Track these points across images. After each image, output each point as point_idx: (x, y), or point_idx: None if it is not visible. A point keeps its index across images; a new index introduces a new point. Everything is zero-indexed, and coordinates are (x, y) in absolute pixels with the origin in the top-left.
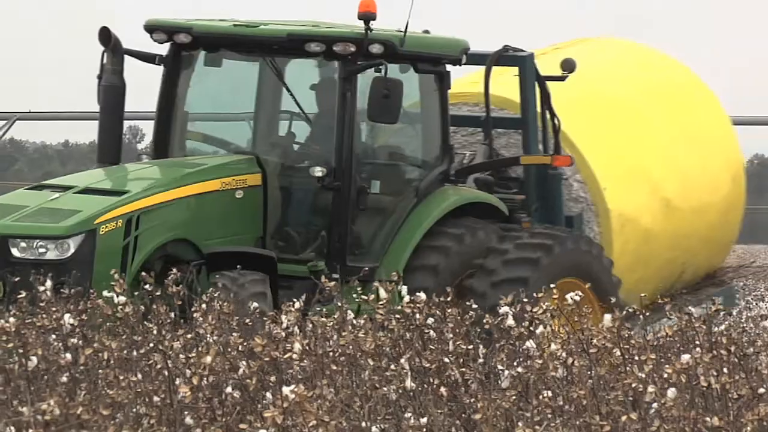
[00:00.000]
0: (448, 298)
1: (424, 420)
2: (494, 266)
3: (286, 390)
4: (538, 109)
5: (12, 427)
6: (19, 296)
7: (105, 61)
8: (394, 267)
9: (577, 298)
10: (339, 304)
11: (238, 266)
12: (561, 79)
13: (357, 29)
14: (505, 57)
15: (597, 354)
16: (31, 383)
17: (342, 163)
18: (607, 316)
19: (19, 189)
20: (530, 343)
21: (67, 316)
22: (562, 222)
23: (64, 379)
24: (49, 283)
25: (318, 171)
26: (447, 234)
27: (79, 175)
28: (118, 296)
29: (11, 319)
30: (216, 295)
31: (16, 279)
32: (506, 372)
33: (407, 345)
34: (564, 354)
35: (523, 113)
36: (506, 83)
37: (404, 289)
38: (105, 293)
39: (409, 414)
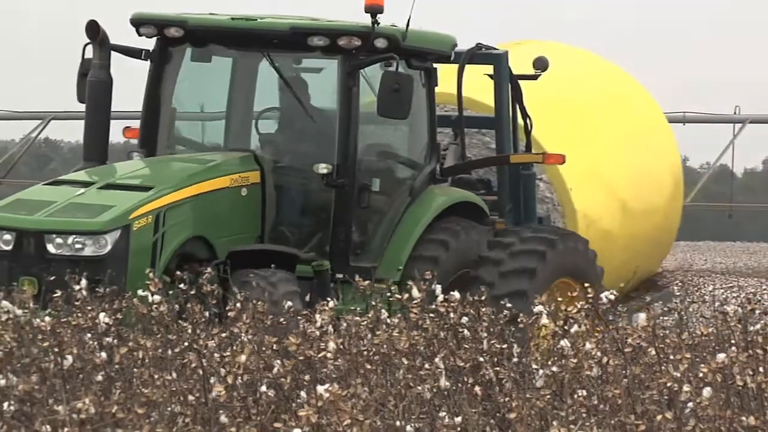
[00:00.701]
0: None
1: (458, 419)
2: (501, 257)
3: (320, 389)
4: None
5: (48, 426)
6: (54, 295)
7: (92, 55)
8: (393, 267)
9: (612, 297)
10: (373, 303)
11: (272, 265)
12: (534, 77)
13: (361, 23)
14: (479, 55)
15: (632, 353)
16: (66, 382)
17: (346, 160)
18: (642, 315)
19: (36, 185)
20: (565, 342)
21: (102, 315)
22: (535, 222)
23: (100, 377)
24: (84, 282)
25: (323, 168)
26: (444, 229)
27: (95, 171)
28: (152, 295)
29: (47, 318)
30: (248, 294)
31: (52, 277)
32: (541, 371)
33: (441, 344)
34: (599, 353)
35: (497, 112)
36: (468, 83)
37: (438, 288)
38: (140, 292)
39: (444, 413)
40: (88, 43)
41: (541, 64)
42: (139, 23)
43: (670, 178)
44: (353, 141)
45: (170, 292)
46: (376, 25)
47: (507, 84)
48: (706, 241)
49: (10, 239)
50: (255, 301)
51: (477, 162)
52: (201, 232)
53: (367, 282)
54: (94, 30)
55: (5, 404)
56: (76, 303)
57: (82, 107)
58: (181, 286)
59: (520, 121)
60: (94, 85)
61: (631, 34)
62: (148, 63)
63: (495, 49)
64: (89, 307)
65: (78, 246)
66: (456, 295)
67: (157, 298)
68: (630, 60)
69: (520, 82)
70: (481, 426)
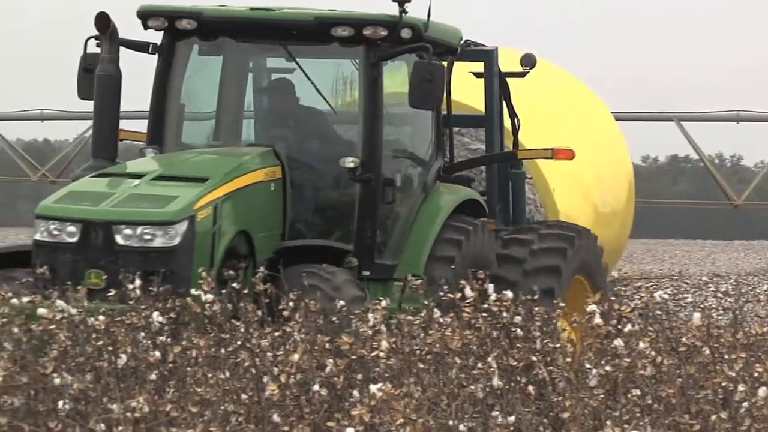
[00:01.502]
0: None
1: (511, 418)
2: (522, 255)
3: (373, 388)
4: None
5: (102, 425)
6: (111, 292)
7: (101, 49)
8: (413, 267)
9: (666, 296)
10: (426, 302)
11: (324, 264)
12: (521, 75)
13: (386, 13)
14: (468, 52)
15: (686, 353)
16: (120, 381)
17: (372, 154)
18: (696, 315)
19: (82, 179)
20: (618, 342)
21: (155, 314)
22: (525, 223)
23: (153, 376)
24: (138, 282)
25: (350, 162)
26: (456, 228)
27: (138, 164)
28: (205, 294)
29: (101, 317)
30: (311, 298)
31: (121, 268)
32: (594, 370)
33: (494, 343)
34: (653, 352)
35: (487, 110)
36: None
37: (491, 287)
38: (193, 291)
39: (497, 412)
40: (90, 37)
41: (528, 61)
42: (147, 15)
43: (626, 184)
44: (379, 135)
45: (222, 291)
46: (404, 14)
47: (497, 81)
48: (760, 240)
49: (75, 231)
50: (312, 303)
51: (482, 159)
52: (244, 227)
53: (420, 281)
54: (104, 23)
55: (60, 403)
56: (131, 301)
57: (132, 107)
58: (234, 284)
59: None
60: (104, 80)
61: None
62: (131, 58)
63: (484, 45)
64: (143, 306)
65: (147, 237)
66: (509, 294)
67: (209, 297)
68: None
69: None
70: (534, 425)
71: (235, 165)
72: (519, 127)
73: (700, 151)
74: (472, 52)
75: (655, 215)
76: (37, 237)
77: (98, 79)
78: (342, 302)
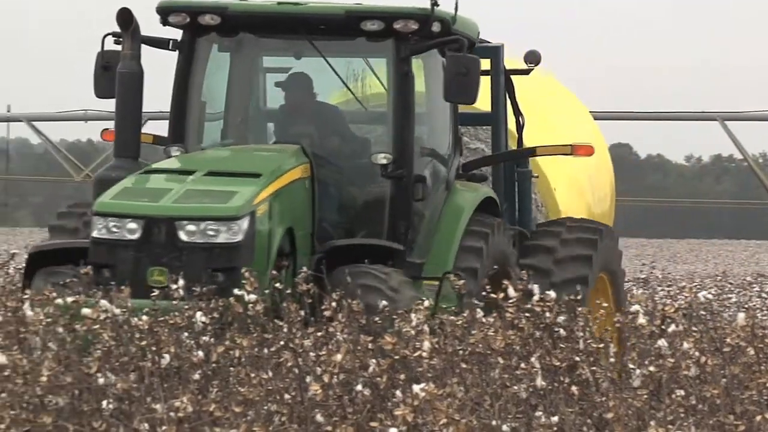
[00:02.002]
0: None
1: (555, 419)
2: (552, 244)
3: (416, 388)
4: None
5: (146, 424)
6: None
7: (122, 46)
8: (442, 265)
9: (710, 296)
10: (474, 302)
11: (366, 261)
12: (526, 72)
13: (416, 7)
14: (474, 48)
15: (730, 353)
16: (164, 381)
17: (405, 150)
18: (741, 315)
19: (131, 176)
20: (662, 342)
21: (198, 314)
22: (531, 222)
23: (197, 376)
24: (181, 282)
25: (382, 158)
26: (480, 223)
27: (181, 160)
28: (248, 294)
29: (144, 317)
30: (369, 300)
31: (185, 265)
32: (638, 371)
33: (537, 343)
34: (697, 353)
35: (493, 108)
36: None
37: (536, 287)
38: (236, 291)
39: (540, 412)
40: (108, 34)
41: (533, 58)
42: (168, 11)
43: (609, 184)
44: (410, 131)
45: (266, 290)
46: (436, 7)
47: (503, 78)
48: None
49: (136, 228)
50: (369, 305)
51: (501, 156)
52: (290, 224)
53: (462, 282)
54: (126, 19)
55: (104, 402)
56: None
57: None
58: (277, 284)
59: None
60: (126, 77)
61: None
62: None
63: (489, 42)
64: (186, 306)
65: (211, 233)
66: (552, 294)
67: (252, 297)
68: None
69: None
70: (577, 426)
71: (280, 161)
72: (524, 125)
73: (743, 151)
74: (478, 49)
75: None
76: (95, 234)
77: (120, 76)
78: (400, 303)
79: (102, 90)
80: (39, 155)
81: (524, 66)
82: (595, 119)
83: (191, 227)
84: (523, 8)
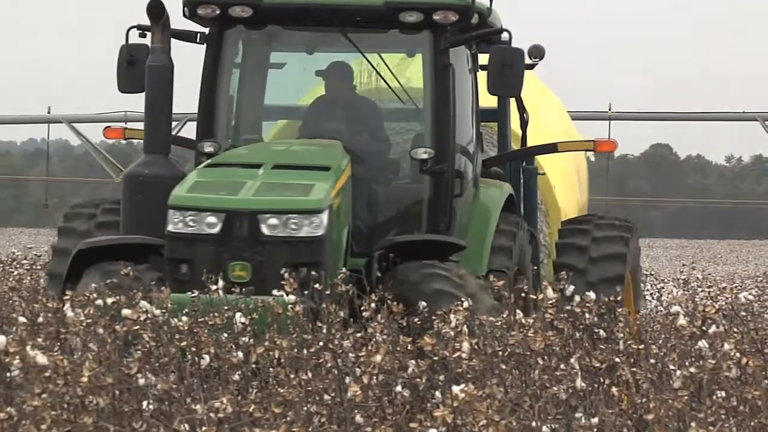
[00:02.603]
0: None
1: (595, 420)
2: (584, 243)
3: (455, 389)
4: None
5: (186, 425)
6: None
7: (151, 38)
8: (477, 263)
9: (751, 297)
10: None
11: (428, 259)
12: (530, 67)
13: None
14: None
15: None
16: (204, 381)
17: (445, 145)
18: None
19: (196, 170)
20: (702, 343)
21: (238, 315)
22: (536, 219)
23: (237, 377)
24: (221, 283)
25: (423, 153)
26: (507, 222)
27: (240, 153)
28: (288, 295)
29: (184, 318)
30: (437, 304)
31: (267, 259)
32: (678, 372)
33: (577, 344)
34: (738, 354)
35: (500, 104)
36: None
37: (570, 289)
38: (275, 292)
39: (580, 414)
40: (132, 27)
41: (537, 52)
42: (197, 2)
43: (585, 178)
44: (450, 125)
45: (305, 291)
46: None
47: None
48: None
49: (216, 222)
50: (444, 310)
51: (519, 152)
52: (350, 220)
53: (502, 282)
54: (157, 11)
55: (145, 403)
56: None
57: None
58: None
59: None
60: (157, 71)
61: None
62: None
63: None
64: (225, 308)
65: (293, 226)
66: (591, 295)
67: (291, 298)
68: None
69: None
70: (618, 427)
71: (341, 156)
72: (528, 121)
73: None
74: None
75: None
76: (171, 229)
77: (150, 70)
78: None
79: (126, 84)
80: (79, 156)
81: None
82: (635, 120)
83: (273, 221)
84: (560, 3)
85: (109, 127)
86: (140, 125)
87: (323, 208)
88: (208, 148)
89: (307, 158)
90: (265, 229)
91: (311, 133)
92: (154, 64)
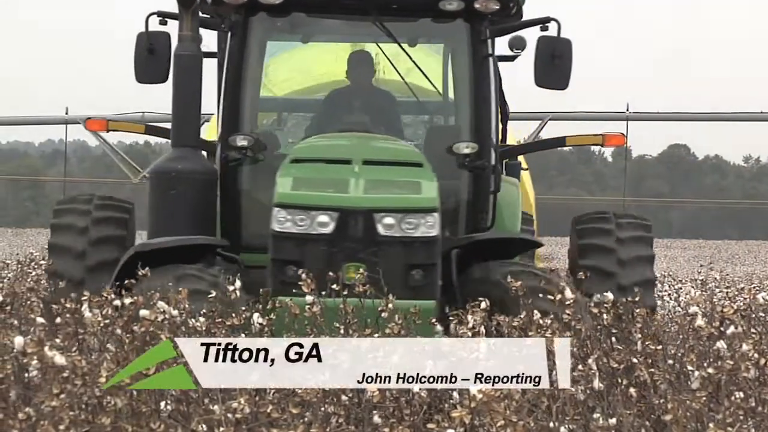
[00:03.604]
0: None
1: (612, 421)
2: (610, 244)
3: (473, 389)
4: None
5: (204, 425)
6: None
7: (180, 26)
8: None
9: None
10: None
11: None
12: (512, 59)
13: None
14: None
15: None
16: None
17: (485, 139)
18: None
19: (284, 166)
20: (721, 344)
21: (255, 315)
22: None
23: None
24: (238, 283)
25: (466, 148)
26: (524, 221)
27: (319, 147)
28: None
29: (201, 319)
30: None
31: (383, 260)
32: (696, 373)
33: (595, 345)
34: (756, 354)
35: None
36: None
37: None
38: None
39: (598, 414)
40: (152, 14)
41: (519, 44)
42: None
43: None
44: (491, 118)
45: (343, 292)
46: None
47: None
48: None
49: (328, 221)
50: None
51: (531, 145)
52: None
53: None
54: None
55: (162, 404)
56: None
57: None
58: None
59: None
60: (186, 60)
61: None
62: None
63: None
64: (243, 308)
65: (409, 226)
66: (609, 296)
67: (309, 299)
68: None
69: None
70: (635, 428)
71: (414, 150)
72: (509, 114)
73: None
74: None
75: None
76: (278, 228)
77: (178, 59)
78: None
79: (146, 74)
80: (96, 157)
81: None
82: (653, 120)
83: (389, 220)
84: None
85: (90, 118)
86: (125, 117)
87: (438, 207)
88: (241, 141)
89: (394, 154)
90: (380, 229)
91: (339, 126)
92: (184, 54)
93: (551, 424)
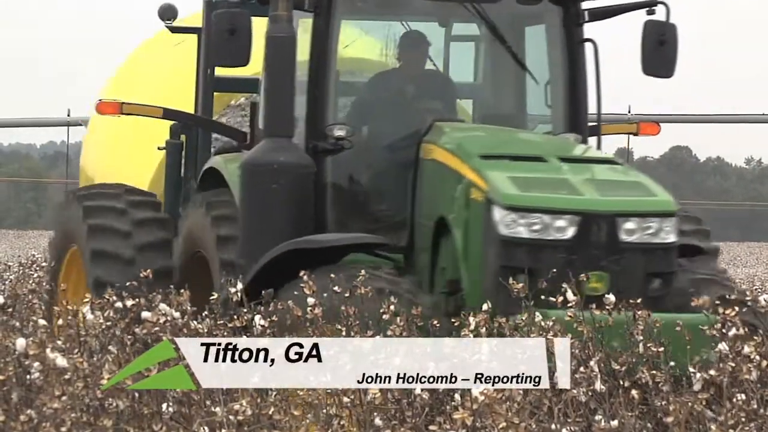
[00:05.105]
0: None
1: (614, 423)
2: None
3: (475, 391)
4: None
5: (206, 427)
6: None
7: (272, 6)
8: None
9: None
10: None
11: None
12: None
13: None
14: None
15: None
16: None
17: (584, 130)
18: None
19: (480, 164)
20: (722, 346)
21: (257, 317)
22: None
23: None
24: (240, 285)
25: (573, 140)
26: None
27: (498, 141)
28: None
29: (206, 320)
30: None
31: (623, 269)
32: (698, 375)
33: (596, 347)
34: (758, 356)
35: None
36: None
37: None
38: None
39: (600, 416)
40: None
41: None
42: None
43: None
44: (586, 107)
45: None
46: None
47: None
48: None
49: (566, 225)
50: None
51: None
52: None
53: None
54: None
55: (164, 406)
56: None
57: None
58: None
59: None
60: (280, 42)
61: None
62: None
63: None
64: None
65: (650, 231)
66: (611, 297)
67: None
68: None
69: None
70: (637, 429)
71: (575, 144)
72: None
73: None
74: None
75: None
76: (506, 233)
77: (273, 41)
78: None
79: (226, 57)
80: None
81: None
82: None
83: (630, 224)
84: None
85: (102, 100)
86: (140, 102)
87: (677, 210)
88: (339, 131)
89: (581, 150)
90: (623, 235)
91: (413, 113)
92: (278, 35)
93: (553, 426)
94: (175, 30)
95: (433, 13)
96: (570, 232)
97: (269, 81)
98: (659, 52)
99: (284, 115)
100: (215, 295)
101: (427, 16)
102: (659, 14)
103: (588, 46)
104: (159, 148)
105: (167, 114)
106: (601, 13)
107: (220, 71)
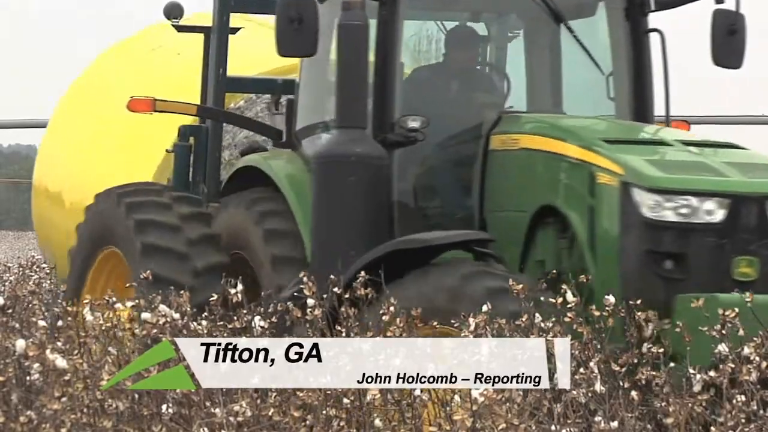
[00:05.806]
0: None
1: (614, 423)
2: None
3: (475, 392)
4: None
5: (205, 429)
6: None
7: None
8: None
9: None
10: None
11: None
12: None
13: None
14: None
15: None
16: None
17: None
18: None
19: (607, 149)
20: (722, 347)
21: (257, 318)
22: None
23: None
24: (240, 286)
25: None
26: None
27: (618, 129)
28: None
29: (203, 322)
30: None
31: None
32: (698, 375)
33: (596, 348)
34: (757, 357)
35: None
36: None
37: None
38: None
39: (599, 417)
40: None
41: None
42: None
43: None
44: (652, 102)
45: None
46: None
47: None
48: None
49: (716, 208)
50: None
51: None
52: None
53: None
54: None
55: (164, 407)
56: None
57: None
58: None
59: None
60: (353, 30)
61: None
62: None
63: None
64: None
65: None
66: (611, 299)
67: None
68: None
69: None
70: (637, 430)
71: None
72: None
73: None
74: None
75: None
76: (651, 216)
77: (345, 29)
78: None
79: (292, 46)
80: None
81: None
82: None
83: None
84: None
85: (134, 97)
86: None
87: None
88: (413, 123)
89: (693, 136)
90: None
91: (467, 106)
92: (351, 23)
93: (553, 427)
94: (181, 29)
95: (491, 9)
96: (719, 215)
97: (342, 71)
98: (729, 42)
99: (358, 106)
100: (266, 292)
101: (487, 12)
102: (728, 3)
103: (654, 36)
104: (167, 151)
105: (200, 111)
106: (668, 2)
107: (231, 71)
